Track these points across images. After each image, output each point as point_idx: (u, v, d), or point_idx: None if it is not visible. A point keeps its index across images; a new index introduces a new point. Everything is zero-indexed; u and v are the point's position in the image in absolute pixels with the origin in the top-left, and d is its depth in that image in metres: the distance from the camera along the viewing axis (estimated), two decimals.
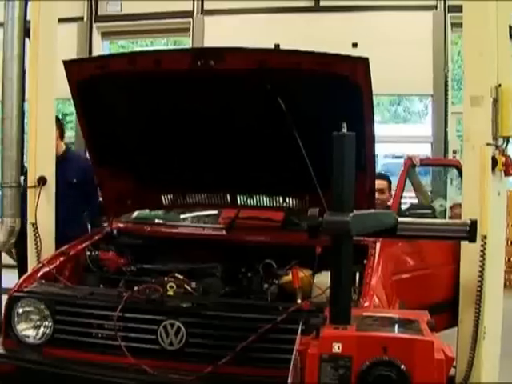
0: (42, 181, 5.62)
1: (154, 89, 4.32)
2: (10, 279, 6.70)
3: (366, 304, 3.66)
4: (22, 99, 5.94)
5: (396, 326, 2.59)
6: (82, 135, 4.66)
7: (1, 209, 5.79)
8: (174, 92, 4.30)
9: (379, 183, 5.56)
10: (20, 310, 3.98)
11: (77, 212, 5.93)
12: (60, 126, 6.30)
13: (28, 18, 6.04)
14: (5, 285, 6.77)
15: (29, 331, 3.97)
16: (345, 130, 2.56)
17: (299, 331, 2.86)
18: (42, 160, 5.75)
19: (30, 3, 6.02)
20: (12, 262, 6.68)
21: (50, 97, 5.89)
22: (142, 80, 4.22)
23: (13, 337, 4.00)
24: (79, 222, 5.76)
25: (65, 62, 4.29)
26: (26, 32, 6.01)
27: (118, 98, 4.47)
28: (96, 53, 11.87)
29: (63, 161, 5.99)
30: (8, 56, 5.95)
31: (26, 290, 4.07)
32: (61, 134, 6.29)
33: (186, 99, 4.34)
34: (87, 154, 4.85)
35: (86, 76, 4.28)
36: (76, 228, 5.59)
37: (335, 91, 3.97)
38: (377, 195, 5.11)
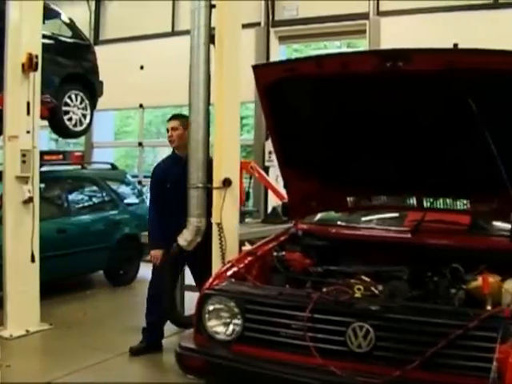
0: (227, 182, 5.79)
1: (340, 90, 4.31)
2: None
3: None
4: (208, 103, 6.13)
5: None
6: (270, 136, 4.73)
7: (188, 209, 6.00)
8: (360, 93, 4.27)
9: None
10: (211, 307, 4.10)
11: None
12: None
13: (213, 25, 6.24)
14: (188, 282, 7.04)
15: (219, 328, 4.07)
16: None
17: (498, 339, 2.74)
18: (227, 162, 5.92)
19: (214, 11, 6.21)
20: None
21: (235, 101, 6.06)
22: (329, 82, 4.22)
23: (203, 333, 4.12)
24: None
25: (254, 67, 4.37)
26: (211, 38, 6.20)
27: (304, 100, 4.49)
28: (273, 57, 12.06)
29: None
30: (194, 62, 6.17)
31: (216, 288, 4.18)
32: None
33: (372, 100, 4.29)
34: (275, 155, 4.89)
35: (273, 79, 4.34)
36: None
37: None
38: None
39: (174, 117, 6.38)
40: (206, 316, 4.11)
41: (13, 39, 6.71)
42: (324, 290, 3.93)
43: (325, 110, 4.53)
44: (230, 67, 6.06)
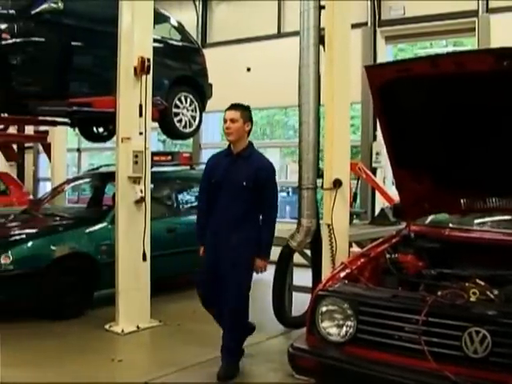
0: (337, 183, 5.78)
1: (454, 90, 4.22)
2: (301, 278, 7.00)
3: None
4: (318, 104, 6.14)
5: None
6: (382, 137, 4.69)
7: (298, 210, 6.02)
8: (474, 92, 4.18)
9: None
10: (324, 309, 4.10)
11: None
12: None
13: (322, 25, 6.24)
14: (299, 283, 7.06)
15: (332, 329, 4.07)
16: None
17: None
18: (337, 163, 5.91)
19: (323, 12, 6.21)
20: (303, 261, 6.93)
21: (346, 101, 6.04)
22: (443, 82, 4.15)
23: (316, 334, 4.13)
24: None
25: (367, 67, 4.35)
26: (320, 39, 6.21)
27: (417, 99, 4.43)
28: (380, 57, 11.93)
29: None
30: (304, 63, 6.21)
31: (330, 289, 4.19)
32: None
33: (486, 100, 4.19)
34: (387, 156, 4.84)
35: (386, 80, 4.30)
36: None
37: None
38: None
39: (234, 106, 5.54)
40: (319, 317, 4.11)
41: (125, 43, 6.90)
42: (439, 293, 3.88)
43: (438, 110, 4.45)
44: (340, 68, 6.05)
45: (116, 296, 6.96)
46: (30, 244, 7.38)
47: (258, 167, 5.39)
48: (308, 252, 6.68)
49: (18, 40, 7.59)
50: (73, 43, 8.33)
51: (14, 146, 15.91)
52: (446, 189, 4.86)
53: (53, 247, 7.38)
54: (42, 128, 14.64)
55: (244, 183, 5.31)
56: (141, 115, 6.87)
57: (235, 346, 5.56)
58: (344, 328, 4.02)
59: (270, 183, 5.44)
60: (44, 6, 7.93)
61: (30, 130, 15.05)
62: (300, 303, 6.61)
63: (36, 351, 6.17)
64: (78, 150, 16.79)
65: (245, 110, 5.51)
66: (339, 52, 6.08)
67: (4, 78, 7.40)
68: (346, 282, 4.30)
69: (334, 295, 4.11)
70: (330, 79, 6.02)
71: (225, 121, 5.42)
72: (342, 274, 4.39)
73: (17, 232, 8.04)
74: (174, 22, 10.46)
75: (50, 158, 14.42)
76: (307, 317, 4.23)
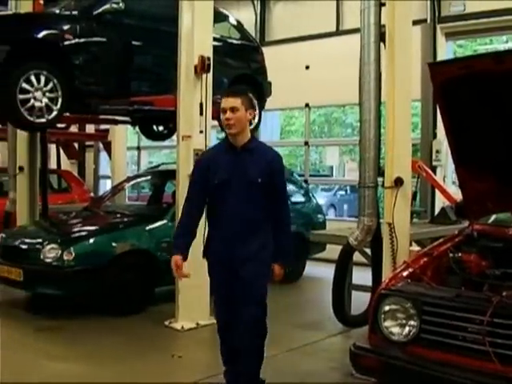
0: (399, 181, 5.73)
1: None
2: (361, 277, 6.97)
3: None
4: (379, 101, 6.09)
5: None
6: (446, 135, 4.63)
7: (358, 208, 6.00)
8: None
9: None
10: (387, 308, 4.08)
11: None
12: None
13: (382, 22, 6.20)
14: (358, 282, 7.03)
15: (395, 329, 4.06)
16: None
17: None
18: (398, 161, 5.86)
19: (384, 9, 6.17)
20: (363, 259, 6.90)
21: (407, 98, 5.98)
22: (506, 78, 4.07)
23: (378, 333, 4.12)
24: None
25: (429, 65, 4.31)
26: (381, 37, 6.16)
27: (480, 97, 4.37)
28: (440, 54, 11.78)
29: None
30: (365, 60, 6.17)
31: (393, 288, 4.16)
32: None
33: None
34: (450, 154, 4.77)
35: (449, 77, 4.25)
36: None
37: None
38: None
39: (234, 93, 4.68)
40: (382, 316, 4.10)
41: (185, 43, 6.96)
42: (504, 293, 3.81)
43: (500, 107, 4.38)
44: (401, 65, 6.00)
45: (176, 293, 7.02)
46: (91, 241, 7.51)
47: (270, 159, 4.63)
48: (368, 251, 6.64)
49: (80, 40, 7.74)
50: (133, 43, 8.45)
51: (76, 145, 16.25)
52: (510, 187, 4.77)
53: (114, 244, 7.50)
54: (103, 127, 14.92)
55: (259, 179, 4.51)
56: (201, 114, 6.93)
57: (255, 371, 4.73)
58: (407, 327, 4.00)
59: (282, 177, 4.76)
60: (106, 7, 8.06)
61: (90, 128, 15.34)
62: (359, 302, 6.61)
63: (96, 346, 6.30)
64: (138, 148, 16.99)
65: (246, 96, 4.67)
66: (400, 49, 6.04)
67: (67, 78, 7.53)
68: (409, 281, 4.26)
69: (397, 294, 4.09)
70: (390, 77, 5.98)
71: (223, 111, 4.52)
72: (405, 273, 4.36)
73: (79, 229, 8.20)
74: (233, 20, 10.51)
75: (110, 155, 14.69)
76: (369, 316, 4.22)
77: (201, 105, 6.92)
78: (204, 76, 6.97)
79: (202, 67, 6.90)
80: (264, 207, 4.56)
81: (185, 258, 4.59)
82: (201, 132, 6.93)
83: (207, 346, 6.68)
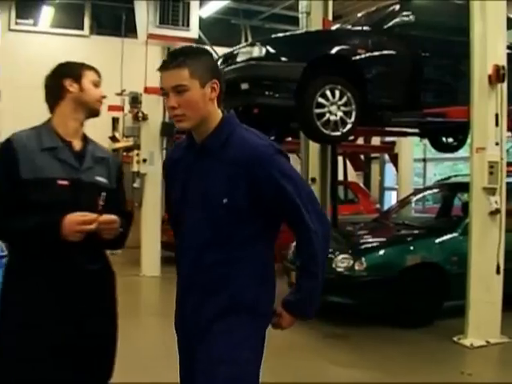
0: None
1: None
2: None
3: None
4: None
5: None
6: None
7: None
8: None
9: None
10: None
11: None
12: None
13: None
14: None
15: None
16: None
17: None
18: None
19: None
20: None
21: None
22: None
23: None
24: None
25: None
26: None
27: None
28: None
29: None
30: None
31: None
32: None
33: None
34: None
35: None
36: None
37: None
38: None
39: (174, 58, 2.62)
40: None
41: (478, 52, 6.80)
42: None
43: None
44: None
45: (466, 308, 6.83)
46: (382, 252, 7.63)
47: (248, 161, 2.62)
48: None
49: (371, 54, 7.86)
50: (422, 54, 8.39)
51: (361, 157, 16.56)
52: None
53: (405, 256, 7.51)
54: (388, 139, 15.04)
55: (224, 200, 2.63)
56: (497, 125, 6.72)
57: None
58: None
59: (286, 183, 2.64)
60: (396, 20, 8.12)
61: (375, 140, 15.55)
62: None
63: (383, 355, 6.37)
64: (424, 159, 16.83)
65: (197, 60, 2.64)
66: None
67: (360, 92, 7.70)
68: None
69: None
70: None
71: (164, 93, 2.67)
72: None
73: (368, 240, 8.34)
74: None
75: (396, 167, 14.74)
76: None
77: (496, 115, 6.72)
78: (499, 86, 6.76)
79: (496, 77, 6.70)
80: (243, 243, 2.69)
81: None
82: (496, 144, 6.73)
83: (498, 365, 6.47)
